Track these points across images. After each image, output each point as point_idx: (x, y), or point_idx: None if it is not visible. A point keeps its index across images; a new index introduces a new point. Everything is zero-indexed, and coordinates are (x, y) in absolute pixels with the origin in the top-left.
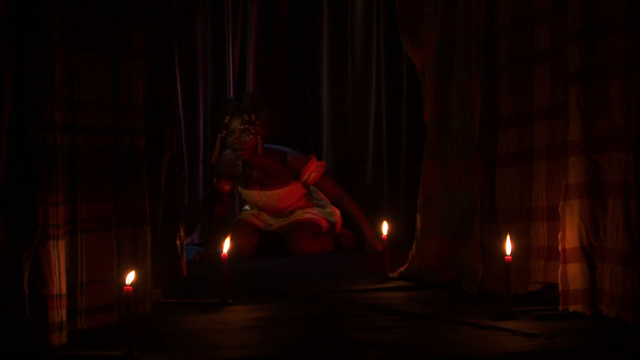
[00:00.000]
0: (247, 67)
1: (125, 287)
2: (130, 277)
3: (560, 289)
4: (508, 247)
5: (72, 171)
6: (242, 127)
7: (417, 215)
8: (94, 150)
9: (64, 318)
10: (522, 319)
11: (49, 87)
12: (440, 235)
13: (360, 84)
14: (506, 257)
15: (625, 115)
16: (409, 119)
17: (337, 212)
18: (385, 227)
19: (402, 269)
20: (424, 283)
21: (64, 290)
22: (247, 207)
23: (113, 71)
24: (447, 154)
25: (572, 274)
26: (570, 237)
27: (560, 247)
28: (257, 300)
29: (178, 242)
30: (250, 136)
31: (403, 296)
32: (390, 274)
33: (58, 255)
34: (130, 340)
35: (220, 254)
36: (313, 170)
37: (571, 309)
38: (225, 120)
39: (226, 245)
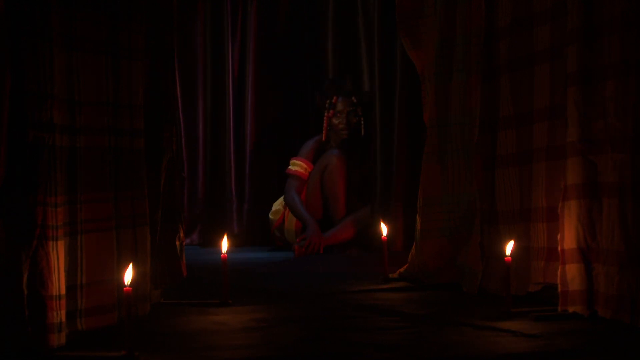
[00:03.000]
0: (246, 68)
1: (125, 288)
2: (129, 273)
3: (559, 289)
4: (508, 248)
5: (72, 172)
6: (349, 108)
7: (417, 216)
8: (94, 151)
9: (63, 319)
10: (522, 320)
11: (47, 87)
12: (440, 236)
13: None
14: (506, 258)
15: (621, 116)
16: (409, 120)
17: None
18: (384, 229)
19: (401, 269)
20: (423, 284)
21: (63, 291)
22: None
23: (113, 72)
24: (447, 155)
25: (570, 275)
26: (568, 238)
27: (559, 248)
28: (257, 301)
29: (178, 242)
30: (356, 118)
31: (403, 297)
32: (390, 275)
33: (57, 256)
34: (130, 341)
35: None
36: None
37: (570, 310)
38: (333, 101)
39: (225, 244)
